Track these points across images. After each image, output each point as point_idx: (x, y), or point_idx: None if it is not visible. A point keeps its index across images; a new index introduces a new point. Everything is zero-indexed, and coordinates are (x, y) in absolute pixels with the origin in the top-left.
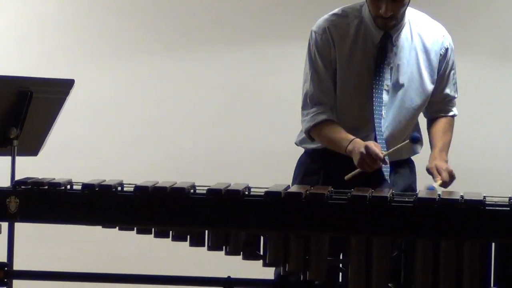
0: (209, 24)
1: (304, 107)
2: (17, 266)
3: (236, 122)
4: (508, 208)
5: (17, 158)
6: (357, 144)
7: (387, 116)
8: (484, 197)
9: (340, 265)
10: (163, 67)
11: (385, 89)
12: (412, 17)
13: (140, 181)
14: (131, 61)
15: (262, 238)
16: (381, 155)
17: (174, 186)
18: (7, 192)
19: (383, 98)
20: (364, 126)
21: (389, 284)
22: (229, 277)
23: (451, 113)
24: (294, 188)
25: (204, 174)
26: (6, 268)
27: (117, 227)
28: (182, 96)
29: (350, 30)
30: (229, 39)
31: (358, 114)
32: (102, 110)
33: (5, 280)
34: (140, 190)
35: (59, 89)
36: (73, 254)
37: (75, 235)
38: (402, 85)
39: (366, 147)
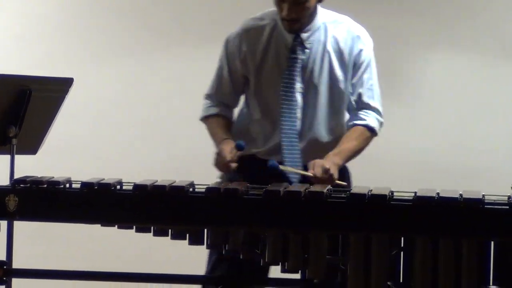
0: (210, 23)
1: (204, 98)
2: (16, 264)
3: None
4: (507, 207)
5: (16, 157)
6: (220, 148)
7: (306, 118)
8: (483, 195)
9: (339, 264)
10: (162, 66)
11: (299, 91)
12: (330, 20)
13: (139, 180)
14: (130, 60)
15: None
16: (228, 158)
17: (173, 184)
18: (6, 190)
19: (298, 100)
20: (275, 131)
21: (388, 283)
22: (224, 274)
23: (362, 122)
24: (292, 187)
25: (203, 173)
26: (5, 267)
27: (116, 226)
28: (181, 95)
29: (264, 33)
30: None
31: (271, 116)
32: (101, 108)
33: (4, 278)
34: (139, 188)
35: (58, 88)
36: (72, 252)
37: (74, 234)
38: (317, 87)
39: (220, 150)
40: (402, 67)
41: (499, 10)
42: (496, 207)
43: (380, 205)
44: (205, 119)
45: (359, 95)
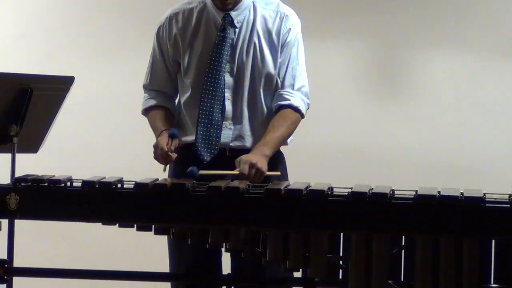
0: None
1: (143, 90)
2: (17, 263)
3: None
4: (508, 205)
5: (17, 155)
6: (159, 139)
7: (234, 104)
8: (484, 194)
9: (340, 262)
10: None
11: (227, 71)
12: (259, 0)
13: (140, 178)
14: (131, 59)
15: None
16: (165, 149)
17: (174, 182)
18: (7, 189)
19: (226, 80)
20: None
21: (389, 281)
22: (229, 273)
23: (287, 102)
24: (294, 185)
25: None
26: (6, 265)
27: (117, 224)
28: None
29: (193, 15)
30: None
31: (201, 98)
32: (102, 107)
33: (5, 277)
34: (140, 187)
35: (59, 86)
36: (73, 251)
37: (75, 232)
38: (245, 66)
39: (157, 141)
40: (402, 66)
41: (499, 9)
42: (497, 205)
43: (381, 203)
44: (145, 112)
45: (284, 74)
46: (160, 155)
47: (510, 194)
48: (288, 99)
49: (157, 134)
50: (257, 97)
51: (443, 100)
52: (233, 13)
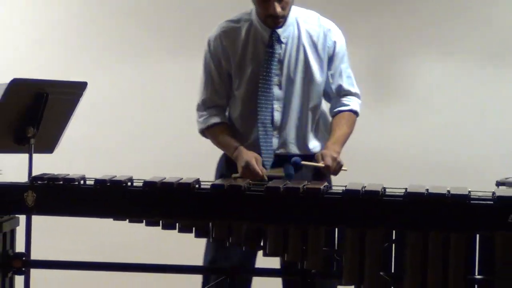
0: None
1: (198, 109)
2: (34, 256)
3: None
4: (492, 202)
5: (34, 156)
6: (240, 155)
7: (284, 110)
8: (469, 191)
9: (335, 255)
10: (169, 71)
11: (276, 84)
12: (301, 15)
13: (148, 177)
14: (139, 65)
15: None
16: (260, 174)
17: (180, 181)
18: (25, 187)
19: (275, 93)
20: (253, 126)
21: (381, 273)
22: (231, 266)
23: (346, 108)
24: (291, 184)
25: (207, 171)
26: (24, 258)
27: (127, 220)
28: (186, 99)
29: (241, 33)
30: None
31: (251, 109)
32: (113, 111)
33: (23, 269)
34: (148, 185)
35: (73, 91)
36: (86, 245)
37: (88, 227)
38: (294, 79)
39: (247, 163)
40: (395, 68)
41: (486, 16)
42: (481, 202)
43: (373, 200)
44: (206, 130)
45: (340, 84)
46: (252, 176)
47: (493, 192)
48: (348, 105)
49: (233, 151)
50: (305, 107)
51: (434, 101)
52: (279, 30)
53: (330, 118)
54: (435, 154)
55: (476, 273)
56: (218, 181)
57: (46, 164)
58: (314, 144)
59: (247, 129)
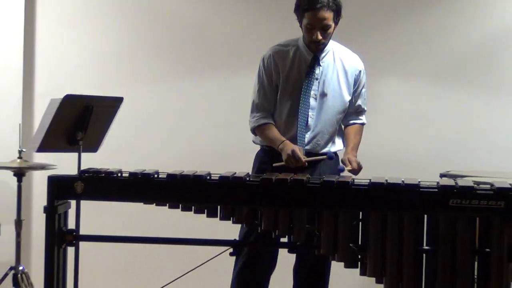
0: (234, 54)
1: (252, 111)
2: (82, 232)
3: (237, 128)
4: (436, 189)
5: (82, 154)
6: (286, 146)
7: (316, 117)
8: (419, 181)
9: (316, 231)
10: (190, 88)
11: (312, 97)
12: (335, 47)
13: (170, 171)
14: (167, 82)
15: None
16: (303, 160)
17: (195, 174)
18: (75, 178)
19: (311, 103)
20: (292, 127)
21: (350, 245)
22: (235, 239)
23: (360, 121)
24: (281, 176)
25: (216, 166)
26: (74, 233)
27: (154, 204)
28: (201, 110)
29: (289, 55)
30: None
31: (290, 116)
32: (143, 119)
33: (73, 242)
34: (171, 177)
35: (112, 104)
36: (122, 223)
37: (124, 209)
38: (326, 94)
39: (293, 151)
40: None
41: (433, 42)
42: (428, 190)
43: (345, 188)
44: (257, 128)
45: (359, 104)
46: (295, 162)
47: (437, 182)
48: (361, 119)
49: (279, 143)
50: (332, 117)
51: (392, 113)
52: (321, 56)
53: (341, 126)
54: (393, 153)
55: (424, 245)
56: (224, 174)
57: (91, 160)
58: (334, 146)
59: (287, 129)
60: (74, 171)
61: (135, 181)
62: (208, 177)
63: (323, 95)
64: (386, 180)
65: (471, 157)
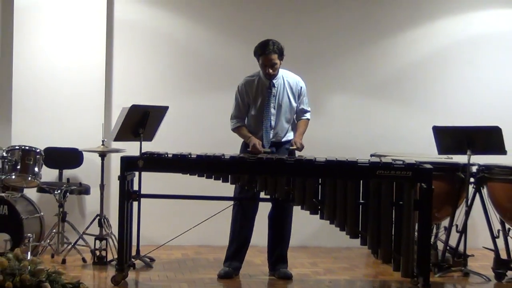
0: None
1: (231, 118)
2: (143, 192)
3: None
4: (368, 164)
5: (142, 143)
6: (251, 140)
7: (275, 122)
8: (357, 159)
9: (291, 190)
10: (212, 100)
11: (272, 108)
12: (284, 73)
13: (199, 153)
14: (197, 95)
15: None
16: (261, 150)
17: (214, 155)
18: (138, 157)
19: (271, 112)
20: (261, 127)
21: (313, 200)
22: (234, 195)
23: (305, 117)
24: (269, 156)
25: (227, 150)
26: (137, 193)
27: (189, 174)
28: (216, 115)
29: (255, 82)
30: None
31: (259, 121)
32: (181, 120)
33: (137, 198)
34: (199, 157)
35: (161, 110)
36: (171, 186)
37: (172, 178)
38: (281, 105)
39: (254, 144)
40: (319, 99)
41: (366, 59)
42: (363, 164)
43: (309, 164)
44: (235, 129)
45: (303, 107)
46: (255, 151)
47: (369, 159)
48: (306, 116)
49: (248, 138)
50: (286, 118)
51: (336, 116)
52: (274, 81)
53: (295, 122)
54: (339, 141)
55: (361, 199)
56: (236, 155)
57: (148, 147)
58: (289, 135)
59: (257, 129)
60: (137, 153)
61: (176, 159)
62: (222, 157)
63: (279, 106)
64: (336, 158)
65: (391, 143)
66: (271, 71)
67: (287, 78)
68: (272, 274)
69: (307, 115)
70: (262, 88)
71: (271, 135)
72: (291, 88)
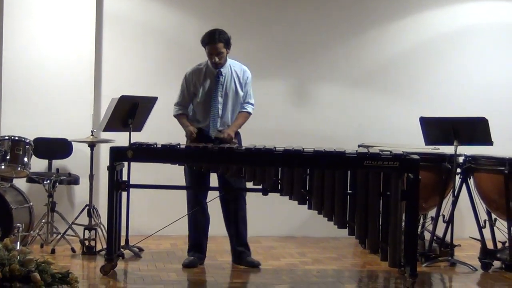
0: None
1: (175, 105)
2: (132, 181)
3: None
4: (356, 155)
5: (131, 133)
6: (187, 128)
7: (222, 111)
8: (345, 150)
9: (278, 180)
10: None
11: (220, 96)
12: (231, 62)
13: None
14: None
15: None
16: (193, 136)
17: (203, 145)
18: (127, 148)
19: (219, 100)
20: (208, 116)
21: (302, 190)
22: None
23: (245, 110)
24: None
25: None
26: (126, 183)
27: (177, 164)
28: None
29: (203, 71)
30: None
31: (206, 110)
32: (167, 110)
33: (126, 188)
34: (187, 147)
35: (150, 101)
36: (158, 175)
37: (160, 168)
38: (228, 94)
39: (189, 132)
40: (307, 90)
41: (354, 51)
42: (350, 155)
43: (297, 154)
44: (177, 116)
45: (246, 96)
46: (190, 137)
47: (356, 150)
48: (246, 109)
49: (186, 126)
50: (233, 107)
51: (326, 107)
52: (221, 69)
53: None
54: (328, 132)
55: (348, 190)
56: (220, 146)
57: (137, 137)
58: None
59: (204, 117)
60: (126, 144)
61: (165, 150)
62: (210, 148)
63: (226, 94)
64: (324, 149)
65: (378, 134)
66: (217, 59)
67: (234, 67)
68: (238, 263)
69: (249, 108)
70: (210, 76)
71: (218, 124)
72: (238, 77)
